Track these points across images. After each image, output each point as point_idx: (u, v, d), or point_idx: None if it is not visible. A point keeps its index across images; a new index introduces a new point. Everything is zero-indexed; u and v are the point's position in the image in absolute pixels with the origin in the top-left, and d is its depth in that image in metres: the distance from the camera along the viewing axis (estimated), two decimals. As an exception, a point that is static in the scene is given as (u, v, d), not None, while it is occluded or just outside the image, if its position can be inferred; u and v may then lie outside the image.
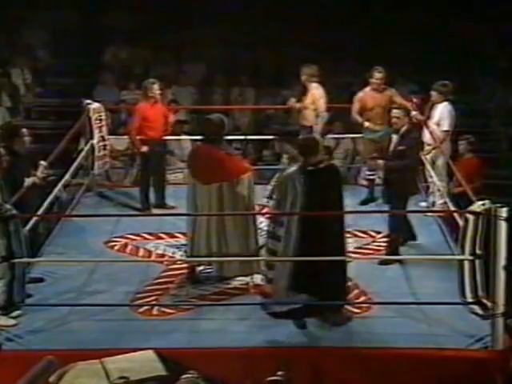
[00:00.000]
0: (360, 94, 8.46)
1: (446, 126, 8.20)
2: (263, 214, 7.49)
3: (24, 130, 6.84)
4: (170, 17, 12.68)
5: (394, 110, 7.21)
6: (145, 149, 8.18)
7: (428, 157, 8.29)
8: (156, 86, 8.27)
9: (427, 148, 8.32)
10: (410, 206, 7.24)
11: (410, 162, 7.07)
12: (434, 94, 8.32)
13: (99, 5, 12.72)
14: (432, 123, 8.28)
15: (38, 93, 12.80)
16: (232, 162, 6.56)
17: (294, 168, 5.91)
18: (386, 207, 7.31)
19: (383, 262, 6.89)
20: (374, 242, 7.37)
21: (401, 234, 7.10)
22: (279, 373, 4.83)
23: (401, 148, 7.02)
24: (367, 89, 8.41)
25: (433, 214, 7.96)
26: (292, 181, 5.80)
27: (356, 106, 8.44)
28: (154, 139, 8.19)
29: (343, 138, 10.28)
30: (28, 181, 6.63)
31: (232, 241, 6.46)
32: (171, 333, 5.87)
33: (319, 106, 8.52)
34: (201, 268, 6.78)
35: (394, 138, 7.15)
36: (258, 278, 6.66)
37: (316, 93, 8.51)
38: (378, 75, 8.30)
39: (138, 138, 8.20)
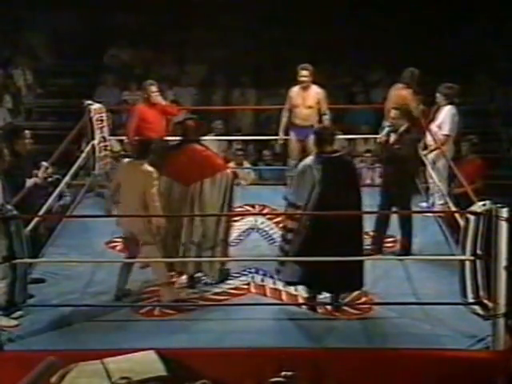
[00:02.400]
0: (392, 92, 8.53)
1: (446, 130, 8.19)
2: (264, 215, 7.54)
3: (26, 132, 6.84)
4: (171, 18, 12.69)
5: (393, 110, 7.23)
6: None
7: (429, 158, 8.30)
8: (154, 88, 8.27)
9: (429, 149, 8.33)
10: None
11: (407, 159, 7.09)
12: (438, 96, 8.29)
13: (100, 6, 12.72)
14: (434, 126, 8.28)
15: (39, 93, 12.81)
16: (211, 160, 6.55)
17: (310, 158, 6.11)
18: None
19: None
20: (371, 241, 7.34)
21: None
22: (282, 373, 4.84)
23: (397, 146, 7.03)
24: (399, 85, 8.47)
25: (434, 214, 7.97)
26: (310, 169, 5.97)
27: (387, 104, 8.44)
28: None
29: (341, 138, 10.28)
30: (29, 181, 6.63)
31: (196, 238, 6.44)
32: (172, 333, 5.86)
33: (323, 104, 8.52)
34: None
35: (392, 136, 7.16)
36: (258, 278, 6.69)
37: (320, 92, 8.51)
38: (405, 73, 8.40)
39: (136, 139, 8.20)
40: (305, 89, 8.48)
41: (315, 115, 8.51)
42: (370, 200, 7.18)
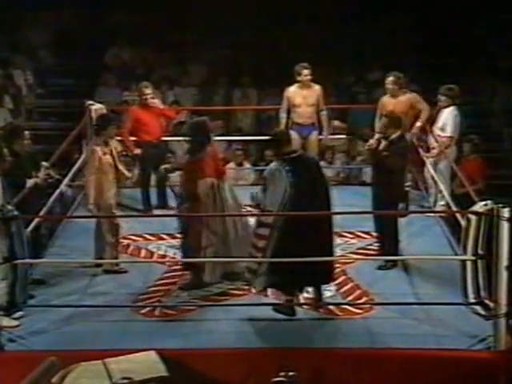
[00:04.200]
0: (382, 99, 8.38)
1: (449, 132, 8.16)
2: (264, 215, 7.52)
3: (25, 132, 6.83)
4: (172, 18, 12.68)
5: (384, 118, 7.18)
6: (138, 151, 8.19)
7: (431, 159, 8.28)
8: (148, 90, 8.24)
9: (432, 152, 8.30)
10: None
11: (392, 167, 6.95)
12: (440, 98, 8.25)
13: (101, 5, 12.72)
14: (436, 128, 8.26)
15: (40, 94, 12.81)
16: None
17: (274, 162, 6.11)
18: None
19: (382, 267, 6.90)
20: (376, 242, 7.34)
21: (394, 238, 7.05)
22: (283, 373, 4.84)
23: (385, 153, 6.95)
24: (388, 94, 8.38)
25: (435, 214, 7.96)
26: (279, 172, 5.98)
27: (378, 111, 8.32)
28: (148, 142, 8.17)
29: (344, 138, 10.31)
30: (30, 182, 6.62)
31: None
32: (173, 334, 5.86)
33: (321, 101, 8.54)
34: None
35: (382, 143, 7.07)
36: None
37: (319, 89, 8.52)
38: (387, 80, 8.27)
39: (131, 139, 8.20)
40: (304, 87, 8.47)
41: (315, 113, 8.51)
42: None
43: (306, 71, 8.42)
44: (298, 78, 8.46)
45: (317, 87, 8.51)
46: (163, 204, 8.35)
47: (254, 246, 6.11)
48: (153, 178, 8.47)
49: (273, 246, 5.93)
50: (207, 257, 6.47)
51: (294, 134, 8.43)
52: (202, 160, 6.54)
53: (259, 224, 6.11)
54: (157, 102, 8.42)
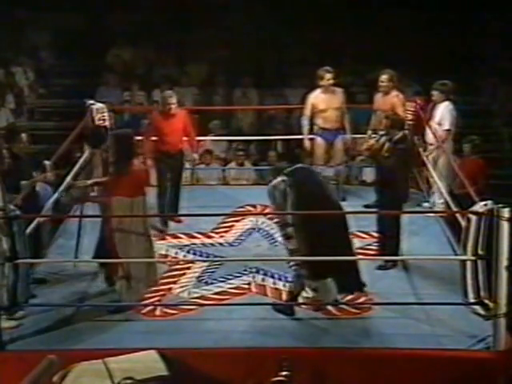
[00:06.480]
0: (376, 95, 8.44)
1: (447, 125, 8.20)
2: (265, 215, 7.54)
3: (23, 135, 6.82)
4: (172, 18, 12.71)
5: (385, 120, 7.19)
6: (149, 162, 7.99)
7: (430, 157, 8.30)
8: (172, 100, 7.88)
9: (430, 148, 8.33)
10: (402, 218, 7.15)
11: (396, 169, 6.95)
12: (434, 93, 8.32)
13: (102, 6, 12.73)
14: (434, 123, 8.29)
15: (42, 94, 12.83)
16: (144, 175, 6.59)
17: (277, 178, 6.11)
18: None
19: (382, 267, 6.91)
20: (375, 242, 7.35)
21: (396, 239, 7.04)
22: (283, 373, 4.86)
23: (388, 155, 6.94)
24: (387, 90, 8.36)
25: (435, 214, 7.97)
26: (284, 183, 6.03)
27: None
28: (164, 152, 7.90)
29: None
30: (31, 181, 6.63)
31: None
32: (174, 333, 5.87)
33: (344, 104, 8.46)
34: None
35: (387, 144, 7.07)
36: (259, 278, 6.70)
37: (341, 91, 8.43)
38: (381, 77, 8.29)
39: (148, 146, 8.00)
40: (327, 91, 8.33)
41: (341, 116, 8.43)
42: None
43: (328, 75, 8.26)
44: (321, 83, 8.30)
45: (339, 90, 8.40)
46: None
47: (287, 249, 6.13)
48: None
49: (305, 246, 5.96)
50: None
51: (319, 140, 8.43)
52: (124, 176, 6.20)
53: (285, 224, 6.10)
54: (180, 111, 8.06)
